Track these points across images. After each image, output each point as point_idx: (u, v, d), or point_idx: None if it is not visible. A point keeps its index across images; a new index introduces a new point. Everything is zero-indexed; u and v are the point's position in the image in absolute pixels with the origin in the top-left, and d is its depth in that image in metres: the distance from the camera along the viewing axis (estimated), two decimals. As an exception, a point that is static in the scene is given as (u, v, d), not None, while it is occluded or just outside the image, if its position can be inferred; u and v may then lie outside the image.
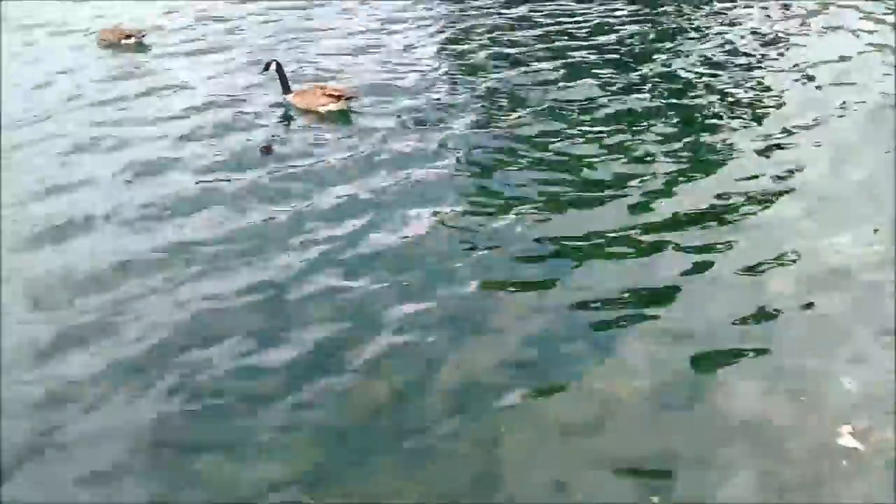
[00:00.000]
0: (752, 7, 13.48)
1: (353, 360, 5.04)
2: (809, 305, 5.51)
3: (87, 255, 6.29)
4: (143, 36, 11.68)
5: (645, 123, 8.67)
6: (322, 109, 9.03)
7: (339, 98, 9.01)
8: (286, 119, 9.13)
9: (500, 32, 12.33)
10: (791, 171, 7.44)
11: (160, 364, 5.05)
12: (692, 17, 12.93)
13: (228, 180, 7.53)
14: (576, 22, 12.58)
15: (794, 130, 8.33)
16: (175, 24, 12.81)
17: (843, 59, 10.37)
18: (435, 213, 6.86)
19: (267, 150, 8.37)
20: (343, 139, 8.54)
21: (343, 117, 9.04)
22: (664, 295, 5.68)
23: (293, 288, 5.81)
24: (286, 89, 9.28)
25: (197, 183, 7.47)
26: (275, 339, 5.30)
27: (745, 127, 8.62)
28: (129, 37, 11.55)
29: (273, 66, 9.26)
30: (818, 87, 9.60)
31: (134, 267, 6.11)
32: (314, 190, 7.34)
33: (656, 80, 10.14)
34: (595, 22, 12.56)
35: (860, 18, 12.46)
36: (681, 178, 7.43)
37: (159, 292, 5.78)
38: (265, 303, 5.67)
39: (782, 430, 4.43)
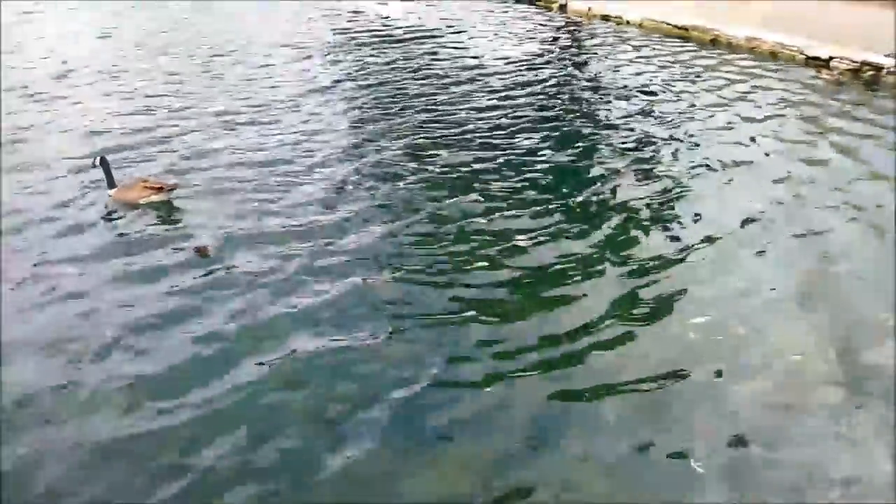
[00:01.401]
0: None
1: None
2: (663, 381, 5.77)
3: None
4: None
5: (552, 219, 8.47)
6: (143, 202, 8.61)
7: (159, 190, 8.61)
8: (111, 215, 8.65)
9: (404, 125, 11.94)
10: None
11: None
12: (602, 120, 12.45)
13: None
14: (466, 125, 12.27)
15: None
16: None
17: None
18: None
19: (202, 251, 7.75)
20: (171, 234, 8.14)
21: (165, 210, 8.57)
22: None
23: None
24: (111, 185, 8.88)
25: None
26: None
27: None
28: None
29: (97, 161, 8.91)
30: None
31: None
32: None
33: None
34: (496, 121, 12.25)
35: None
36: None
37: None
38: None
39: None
